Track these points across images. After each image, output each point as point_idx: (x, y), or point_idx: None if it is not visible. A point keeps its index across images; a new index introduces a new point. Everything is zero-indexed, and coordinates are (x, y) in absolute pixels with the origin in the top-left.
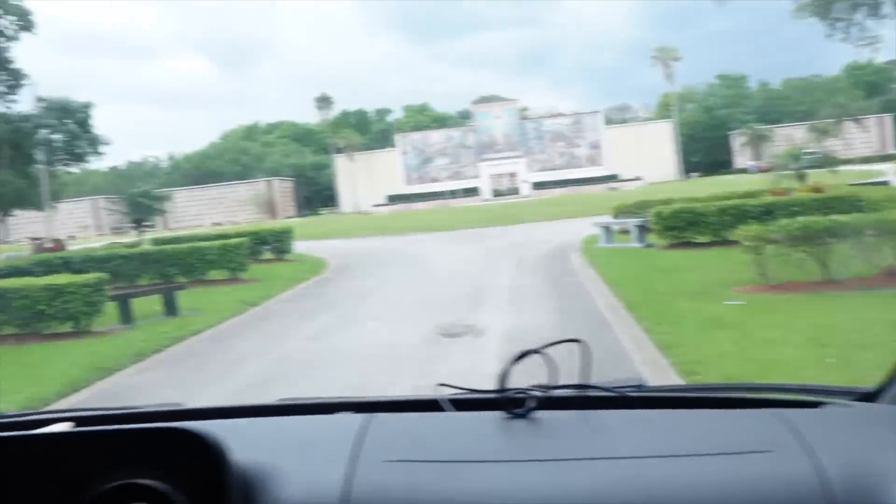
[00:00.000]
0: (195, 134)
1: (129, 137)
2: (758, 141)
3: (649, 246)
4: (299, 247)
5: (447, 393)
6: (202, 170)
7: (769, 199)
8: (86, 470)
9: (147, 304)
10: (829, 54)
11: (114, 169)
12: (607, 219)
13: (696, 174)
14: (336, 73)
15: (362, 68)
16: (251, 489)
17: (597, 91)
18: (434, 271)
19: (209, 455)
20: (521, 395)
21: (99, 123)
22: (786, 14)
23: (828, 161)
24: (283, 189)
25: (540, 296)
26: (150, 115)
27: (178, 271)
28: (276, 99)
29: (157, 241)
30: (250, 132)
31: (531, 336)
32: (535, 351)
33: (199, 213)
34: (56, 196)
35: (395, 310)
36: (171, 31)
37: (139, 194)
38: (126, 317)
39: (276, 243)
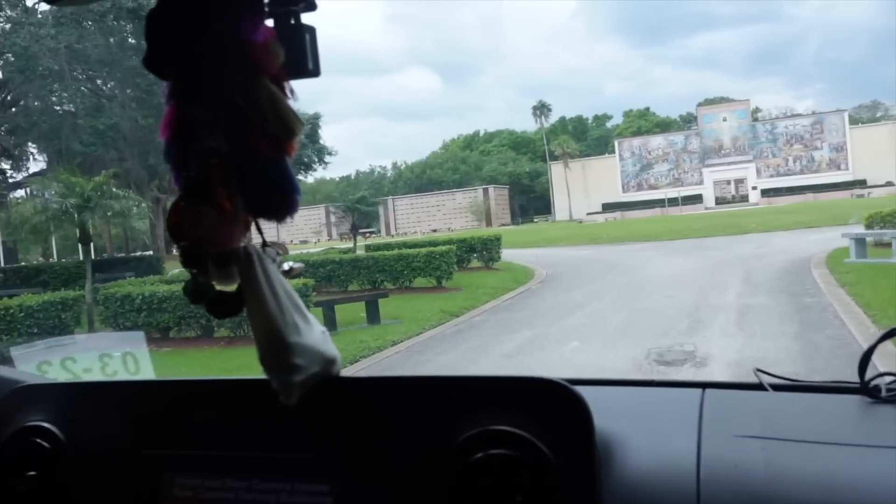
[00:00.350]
0: (420, 144)
1: (361, 149)
2: None
3: None
4: (509, 255)
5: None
6: (423, 178)
7: None
8: (445, 417)
9: (352, 311)
10: None
11: (344, 178)
12: (858, 229)
13: None
14: (556, 80)
15: (582, 74)
16: (607, 451)
17: (840, 89)
18: (648, 285)
19: (573, 412)
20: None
21: (334, 136)
22: None
23: None
24: (498, 197)
25: (774, 319)
26: (379, 127)
27: (386, 278)
28: (496, 108)
29: (370, 248)
30: (470, 141)
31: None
32: None
33: (419, 220)
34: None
35: (603, 328)
36: (398, 46)
37: (356, 200)
38: (330, 323)
39: (484, 251)
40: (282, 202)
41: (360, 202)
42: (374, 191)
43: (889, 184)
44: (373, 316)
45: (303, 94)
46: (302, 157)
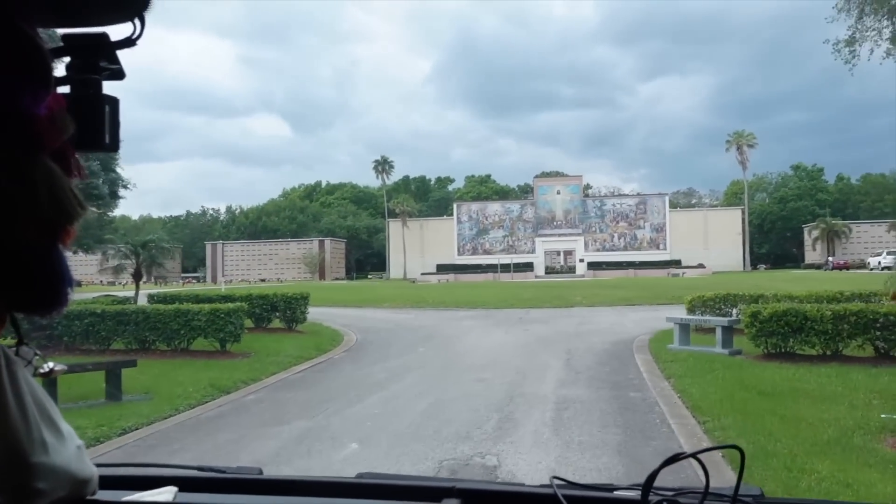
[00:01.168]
0: (263, 190)
1: (200, 189)
2: (832, 236)
3: (736, 353)
4: (327, 314)
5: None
6: (258, 225)
7: None
8: None
9: (94, 381)
10: None
11: (174, 218)
12: (681, 312)
13: (764, 266)
14: (405, 140)
15: (431, 137)
16: None
17: (662, 175)
18: (461, 365)
19: None
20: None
21: (171, 173)
22: (871, 108)
23: None
24: (334, 250)
25: (595, 420)
26: (222, 169)
27: (158, 337)
28: (344, 162)
29: (153, 298)
30: (311, 191)
31: None
32: (687, 455)
33: (248, 268)
34: (100, 240)
35: (396, 423)
36: (249, 89)
37: (142, 243)
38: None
39: (287, 311)
40: (48, 297)
41: (146, 245)
42: (203, 234)
43: (700, 265)
44: (113, 390)
45: (140, 127)
46: (90, 189)
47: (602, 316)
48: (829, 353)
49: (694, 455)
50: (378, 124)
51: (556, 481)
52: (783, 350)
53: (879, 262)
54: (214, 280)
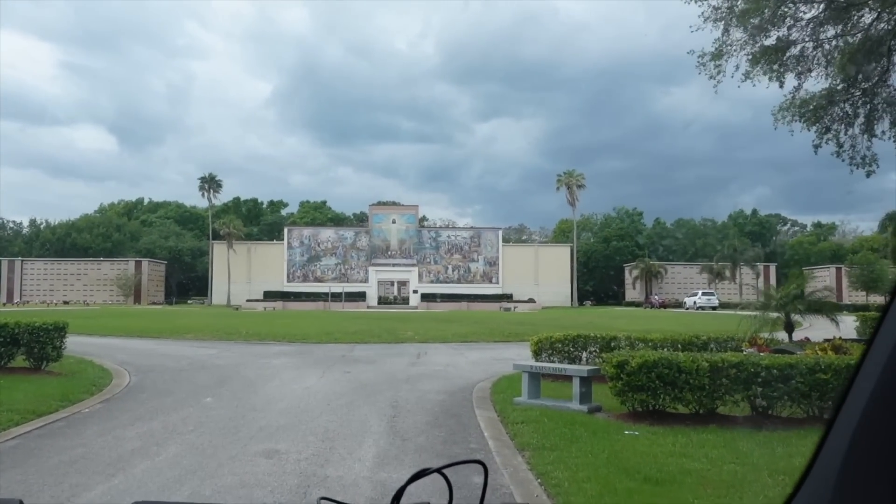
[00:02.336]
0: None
1: (11, 202)
2: (650, 276)
3: (596, 410)
4: (110, 346)
5: None
6: (66, 242)
7: (785, 359)
8: None
9: None
10: (715, 201)
11: None
12: (522, 352)
13: (590, 302)
14: (241, 163)
15: (268, 161)
16: None
17: (495, 211)
18: (251, 427)
19: None
20: None
21: None
22: (680, 162)
23: (826, 305)
24: (153, 272)
25: None
26: (37, 181)
27: None
28: (174, 181)
29: None
30: (132, 209)
31: None
32: (434, 470)
33: (52, 289)
34: None
35: None
36: (72, 98)
37: None
38: None
39: (35, 346)
40: None
41: None
42: (0, 249)
43: (531, 300)
44: None
45: None
46: None
47: (437, 355)
48: (702, 411)
49: (439, 470)
50: (213, 144)
51: (324, 501)
52: (652, 407)
53: (695, 302)
54: (11, 300)
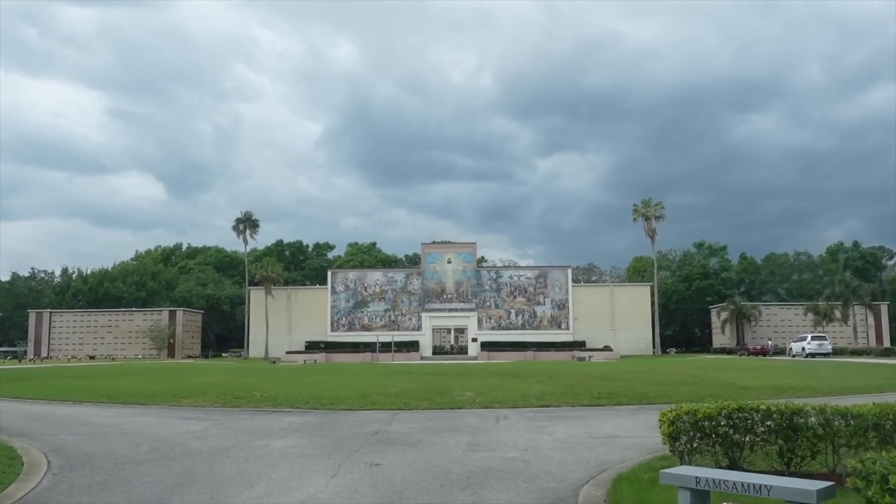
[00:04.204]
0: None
1: (56, 252)
2: (741, 318)
3: None
4: (77, 417)
5: None
6: (99, 292)
7: None
8: None
9: None
10: (799, 236)
11: (2, 284)
12: (645, 435)
13: (674, 350)
14: (289, 207)
15: (318, 204)
16: None
17: (559, 252)
18: None
19: None
20: None
21: (20, 233)
22: (760, 193)
23: None
24: (188, 323)
25: None
26: (83, 231)
27: None
28: (221, 227)
29: None
30: (170, 255)
31: None
32: None
33: (82, 342)
34: None
35: None
36: (119, 145)
37: None
38: None
39: None
40: None
41: None
42: (31, 301)
43: (607, 348)
44: None
45: None
46: None
47: (507, 428)
48: None
49: None
50: (261, 188)
51: None
52: None
53: (803, 348)
54: (38, 354)
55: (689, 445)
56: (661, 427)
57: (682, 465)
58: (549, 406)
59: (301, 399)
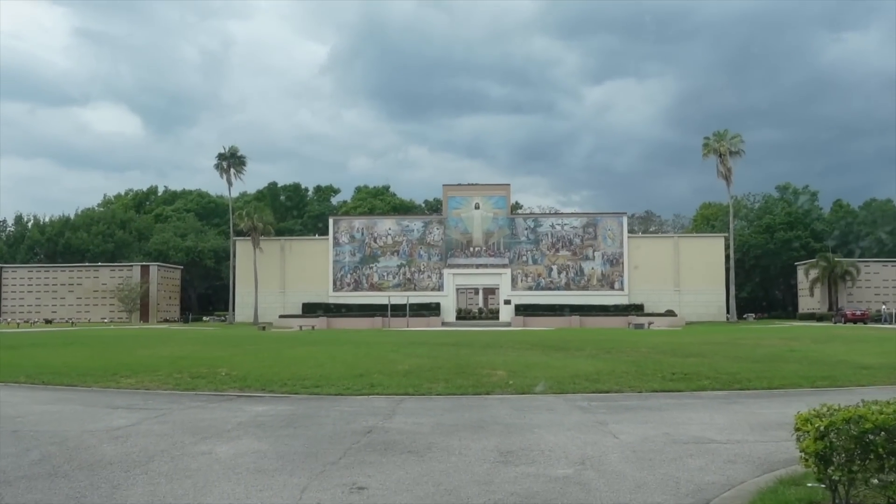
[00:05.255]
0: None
1: (19, 198)
2: (835, 278)
3: None
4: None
5: None
6: (59, 244)
7: None
8: None
9: None
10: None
11: None
12: (760, 439)
13: (753, 315)
14: (290, 145)
15: (324, 142)
16: None
17: (610, 199)
18: None
19: None
20: None
21: None
22: (855, 129)
23: None
24: (165, 280)
25: None
26: (48, 173)
27: None
28: (208, 170)
29: None
30: (142, 200)
31: None
32: None
33: (38, 303)
34: None
35: None
36: (90, 72)
37: None
38: None
39: None
40: None
41: None
42: None
43: (670, 313)
44: None
45: None
46: None
47: (554, 428)
48: None
49: None
50: (256, 123)
51: None
52: None
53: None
54: None
55: (848, 472)
56: (800, 441)
57: (836, 501)
58: (607, 391)
59: (278, 379)
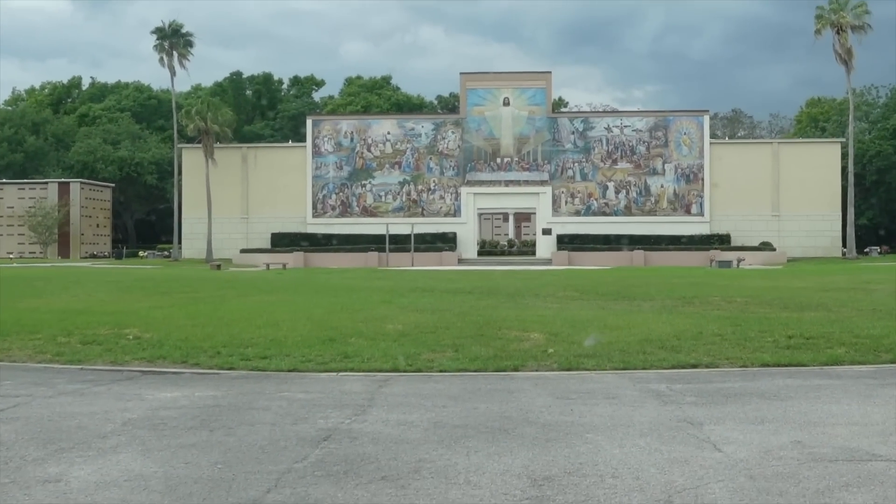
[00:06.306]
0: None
1: None
2: None
3: None
4: None
5: None
6: None
7: None
8: None
9: None
10: None
11: None
12: None
13: (878, 250)
14: (263, 25)
15: (308, 20)
16: None
17: (682, 96)
18: None
19: None
20: None
21: None
22: None
23: None
24: (92, 202)
25: None
26: None
27: None
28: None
29: None
30: (62, 96)
31: None
32: None
33: None
34: None
35: None
36: None
37: None
38: None
39: None
40: None
41: None
42: None
43: (766, 246)
44: None
45: None
46: None
47: (617, 432)
48: None
49: None
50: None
51: None
52: None
53: None
54: None
55: None
56: None
57: None
58: (694, 366)
59: (209, 345)
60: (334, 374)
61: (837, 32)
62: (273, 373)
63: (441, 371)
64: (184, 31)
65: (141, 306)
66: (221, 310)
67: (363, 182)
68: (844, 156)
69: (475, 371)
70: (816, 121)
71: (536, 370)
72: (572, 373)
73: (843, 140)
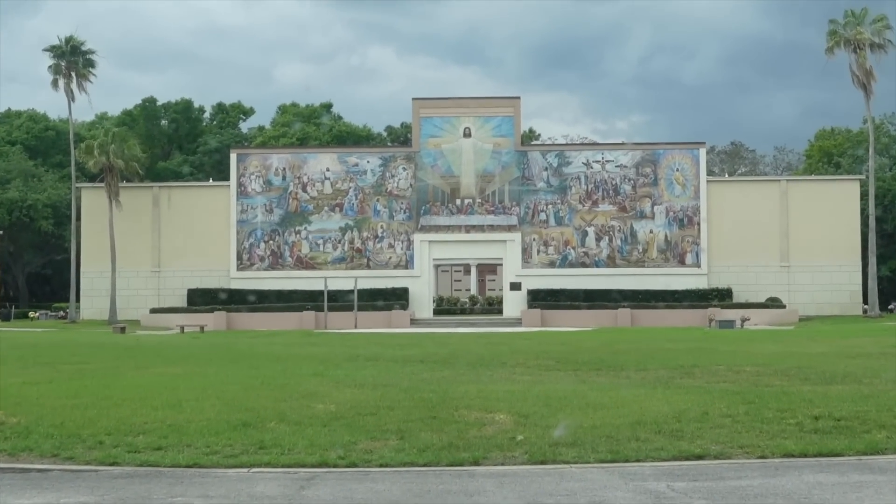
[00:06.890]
0: None
1: None
2: None
3: None
4: None
5: None
6: None
7: None
8: None
9: None
10: None
11: None
12: None
13: None
14: (187, 45)
15: (236, 37)
16: None
17: (672, 126)
18: None
19: None
20: None
21: None
22: None
23: None
24: None
25: None
26: None
27: None
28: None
29: None
30: None
31: None
32: None
33: None
34: None
35: None
36: None
37: None
38: None
39: None
40: None
41: None
42: None
43: (773, 303)
44: None
45: None
46: None
47: None
48: None
49: None
50: (133, 11)
51: None
52: None
53: None
54: None
55: None
56: None
57: None
58: (700, 457)
59: (91, 433)
60: (244, 470)
61: (854, 51)
62: (167, 469)
63: (381, 466)
64: (84, 48)
65: (11, 382)
66: (112, 386)
67: (297, 228)
68: (864, 196)
69: (424, 466)
70: (830, 155)
71: (502, 463)
72: (547, 466)
73: (862, 177)
